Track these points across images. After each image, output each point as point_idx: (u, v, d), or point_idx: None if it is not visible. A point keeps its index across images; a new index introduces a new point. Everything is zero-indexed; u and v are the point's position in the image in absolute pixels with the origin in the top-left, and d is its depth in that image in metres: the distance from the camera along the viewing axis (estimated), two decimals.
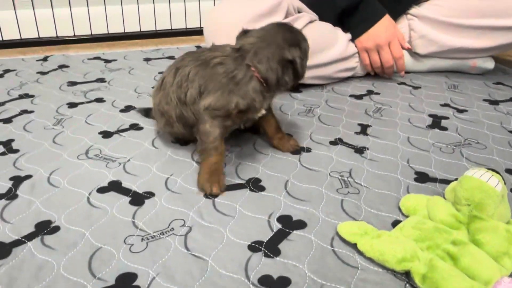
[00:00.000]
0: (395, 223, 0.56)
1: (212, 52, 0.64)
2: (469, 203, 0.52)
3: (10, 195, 0.60)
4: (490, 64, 1.09)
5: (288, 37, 0.64)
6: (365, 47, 1.01)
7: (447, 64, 1.10)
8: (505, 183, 0.54)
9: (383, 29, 0.99)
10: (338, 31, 1.01)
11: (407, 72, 1.12)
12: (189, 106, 0.64)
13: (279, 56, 0.62)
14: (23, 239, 0.52)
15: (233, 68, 0.62)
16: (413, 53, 1.09)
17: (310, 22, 0.96)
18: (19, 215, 0.56)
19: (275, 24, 0.67)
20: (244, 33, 0.67)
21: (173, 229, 0.54)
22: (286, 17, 0.92)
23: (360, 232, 0.52)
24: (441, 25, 1.02)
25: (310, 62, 0.94)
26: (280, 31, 0.64)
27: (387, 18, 1.00)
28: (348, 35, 1.02)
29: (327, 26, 0.99)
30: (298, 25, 0.92)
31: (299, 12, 0.97)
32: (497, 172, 0.54)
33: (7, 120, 0.83)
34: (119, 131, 0.79)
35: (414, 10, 1.06)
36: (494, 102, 0.95)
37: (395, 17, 1.06)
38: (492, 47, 1.01)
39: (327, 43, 0.96)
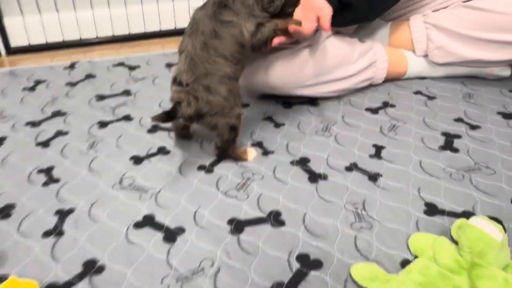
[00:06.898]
0: (403, 262, 0.62)
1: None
2: (471, 251, 0.58)
3: (57, 231, 0.68)
4: (507, 72, 1.10)
5: None
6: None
7: (464, 71, 1.12)
8: (505, 232, 0.59)
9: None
10: (355, 43, 1.03)
11: (424, 78, 1.14)
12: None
13: None
14: (74, 281, 0.60)
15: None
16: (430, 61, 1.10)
17: (327, 37, 0.99)
18: (67, 254, 0.64)
19: None
20: None
21: (203, 269, 0.61)
22: None
23: (371, 276, 0.58)
24: (459, 37, 1.03)
25: (328, 77, 0.99)
26: None
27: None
28: (366, 46, 1.04)
29: (343, 40, 1.00)
30: (315, 43, 0.95)
31: None
32: (500, 222, 0.58)
33: (45, 144, 0.90)
34: (148, 156, 0.86)
35: (432, 19, 1.06)
36: (508, 116, 0.97)
37: None
38: (510, 60, 1.01)
39: (344, 59, 0.99)
